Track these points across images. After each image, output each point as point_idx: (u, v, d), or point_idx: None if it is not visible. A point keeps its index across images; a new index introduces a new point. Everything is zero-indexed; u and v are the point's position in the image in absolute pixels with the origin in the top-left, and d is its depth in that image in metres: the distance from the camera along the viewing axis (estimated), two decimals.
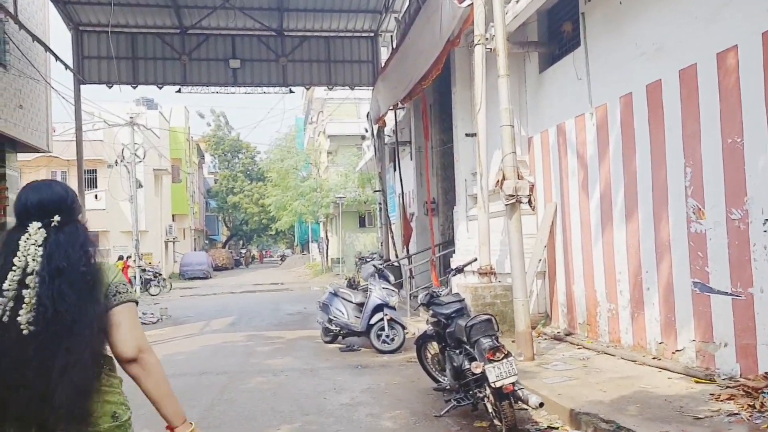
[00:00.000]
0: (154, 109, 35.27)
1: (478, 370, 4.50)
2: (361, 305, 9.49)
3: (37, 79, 13.60)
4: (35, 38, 12.15)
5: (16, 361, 1.83)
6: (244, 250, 64.36)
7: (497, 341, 4.76)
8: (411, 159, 15.90)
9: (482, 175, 8.24)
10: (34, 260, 1.88)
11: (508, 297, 8.42)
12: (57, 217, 1.96)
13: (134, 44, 15.51)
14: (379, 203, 19.75)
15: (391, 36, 16.69)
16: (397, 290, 9.49)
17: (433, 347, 6.40)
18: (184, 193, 41.46)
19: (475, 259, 6.40)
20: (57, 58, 13.70)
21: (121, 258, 24.51)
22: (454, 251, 12.23)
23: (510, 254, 7.15)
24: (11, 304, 1.85)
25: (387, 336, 8.86)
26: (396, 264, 15.96)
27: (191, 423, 2.10)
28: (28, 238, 1.91)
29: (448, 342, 5.53)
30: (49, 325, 1.84)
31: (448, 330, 5.39)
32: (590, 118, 7.77)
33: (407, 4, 14.03)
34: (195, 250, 44.51)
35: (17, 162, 13.89)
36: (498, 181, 7.58)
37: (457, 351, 5.17)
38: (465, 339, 4.87)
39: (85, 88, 15.02)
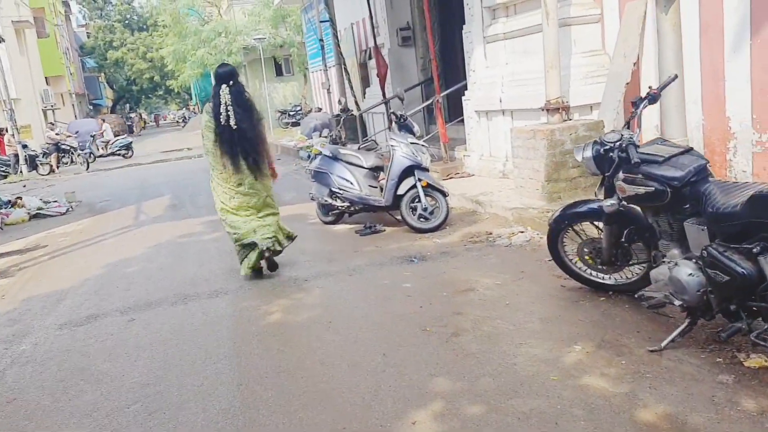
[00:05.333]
0: None
1: None
2: (375, 170, 6.90)
3: None
4: None
5: (232, 141, 4.98)
6: (133, 115, 57.27)
7: None
8: None
9: None
10: (227, 98, 4.95)
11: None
12: (231, 81, 5.00)
13: None
14: (320, 40, 16.36)
15: None
16: (428, 145, 6.89)
17: (583, 232, 4.07)
18: (55, 50, 34.66)
19: (676, 76, 3.92)
20: None
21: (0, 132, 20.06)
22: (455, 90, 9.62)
23: (660, 67, 4.68)
24: (226, 117, 4.92)
25: (425, 209, 6.40)
26: (353, 115, 13.24)
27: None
28: (222, 89, 4.96)
29: (686, 229, 3.18)
30: (240, 125, 4.96)
31: (709, 209, 2.97)
32: None
33: None
34: (77, 117, 38.33)
35: None
36: None
37: (744, 244, 2.82)
38: None
39: None
